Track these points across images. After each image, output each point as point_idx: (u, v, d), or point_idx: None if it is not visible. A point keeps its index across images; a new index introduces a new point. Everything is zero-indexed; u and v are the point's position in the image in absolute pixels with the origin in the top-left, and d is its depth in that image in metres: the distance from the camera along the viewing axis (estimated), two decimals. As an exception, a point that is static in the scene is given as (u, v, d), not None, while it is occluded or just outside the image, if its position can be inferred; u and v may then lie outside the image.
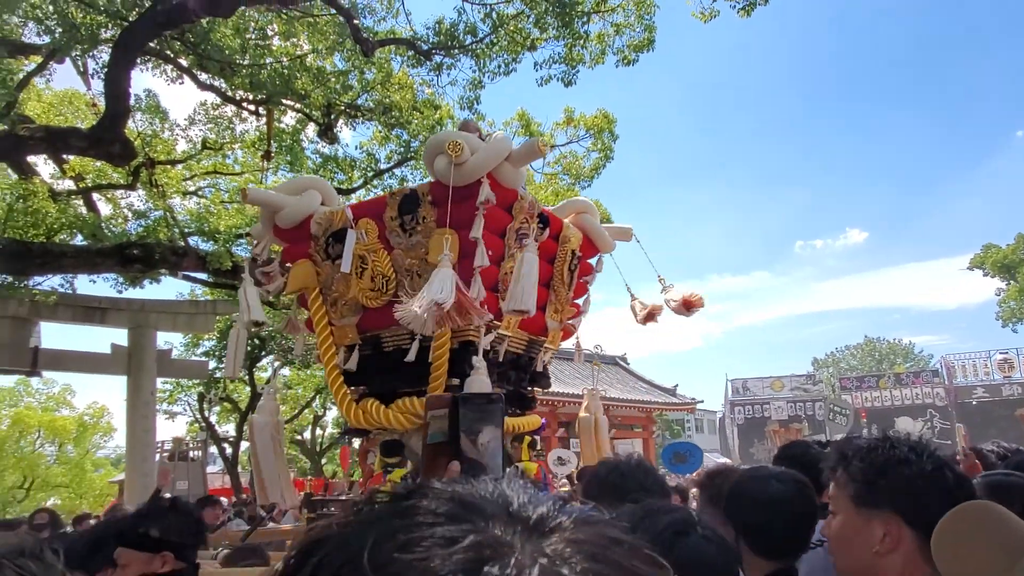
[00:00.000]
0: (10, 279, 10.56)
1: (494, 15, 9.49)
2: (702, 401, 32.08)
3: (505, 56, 10.17)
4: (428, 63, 10.25)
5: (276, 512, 5.61)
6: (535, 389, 5.74)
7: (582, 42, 9.66)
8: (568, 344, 6.48)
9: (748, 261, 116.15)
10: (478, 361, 4.22)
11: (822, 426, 38.54)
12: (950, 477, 1.44)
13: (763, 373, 42.78)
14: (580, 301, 6.02)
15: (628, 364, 31.43)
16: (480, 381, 4.14)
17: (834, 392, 41.35)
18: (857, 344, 56.69)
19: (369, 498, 0.51)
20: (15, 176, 11.28)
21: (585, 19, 9.37)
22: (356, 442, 6.07)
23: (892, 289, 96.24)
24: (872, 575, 1.42)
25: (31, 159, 11.29)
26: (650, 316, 6.06)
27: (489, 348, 4.82)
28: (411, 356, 4.65)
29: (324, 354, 5.23)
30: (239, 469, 21.25)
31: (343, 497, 5.91)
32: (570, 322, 5.93)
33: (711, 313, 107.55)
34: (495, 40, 9.86)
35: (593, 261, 6.12)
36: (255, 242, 5.78)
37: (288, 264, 5.52)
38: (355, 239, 4.87)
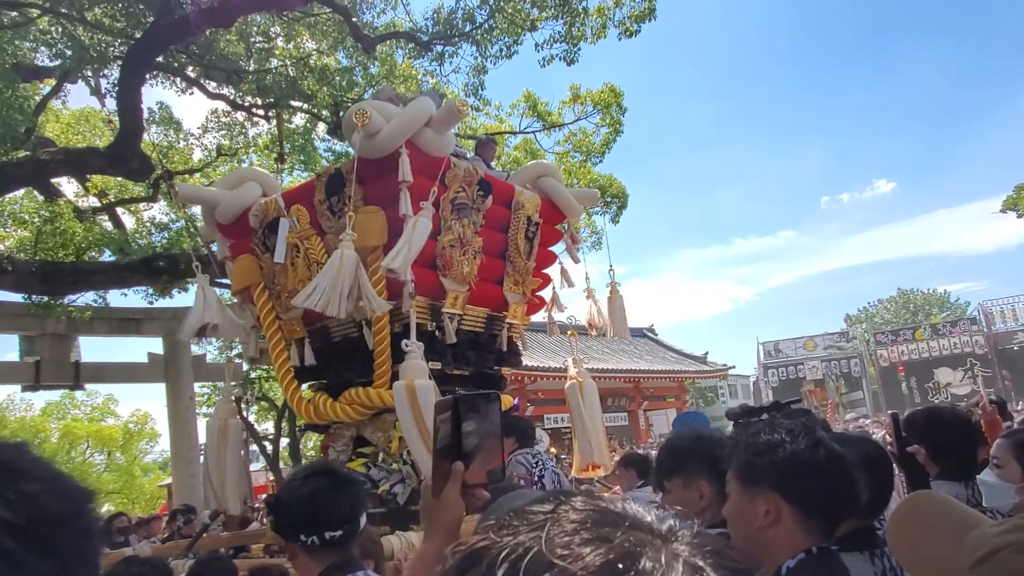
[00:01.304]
0: (46, 299, 10.92)
1: (491, 1, 9.45)
2: (734, 367, 31.86)
3: (506, 39, 10.13)
4: (429, 54, 10.27)
5: (220, 517, 5.51)
6: (502, 369, 5.41)
7: (581, 19, 9.58)
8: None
9: (773, 221, 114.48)
10: (410, 344, 3.98)
11: (859, 383, 38.11)
12: (822, 455, 1.56)
13: (795, 334, 42.31)
14: (549, 271, 5.66)
15: (656, 335, 31.34)
16: (415, 367, 3.92)
17: (868, 348, 40.74)
18: (890, 297, 55.62)
19: (514, 515, 0.58)
20: (41, 198, 11.63)
21: (582, -6, 9.29)
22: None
23: (924, 238, 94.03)
24: (760, 547, 1.54)
25: (55, 180, 11.60)
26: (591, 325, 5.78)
27: (435, 328, 4.59)
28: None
29: (273, 350, 5.02)
30: (280, 466, 21.77)
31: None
32: (539, 293, 5.58)
33: (738, 276, 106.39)
34: (494, 24, 9.83)
35: (563, 228, 5.72)
36: (211, 244, 5.54)
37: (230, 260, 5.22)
38: (288, 228, 4.65)
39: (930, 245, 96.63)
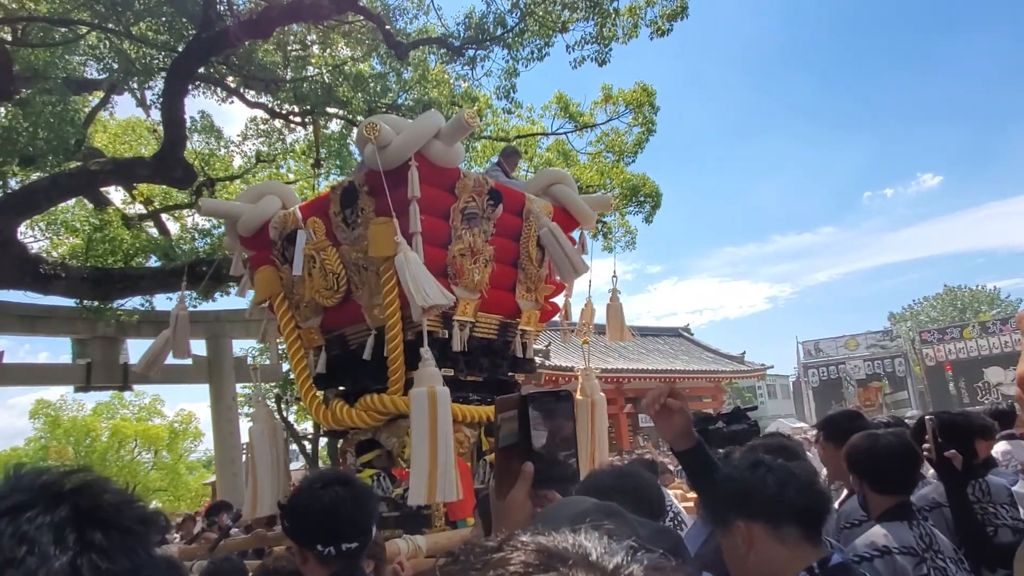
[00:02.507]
0: (97, 303, 11.35)
1: (522, 3, 9.50)
2: (772, 367, 31.30)
3: (537, 41, 10.18)
4: (461, 58, 10.37)
5: (242, 520, 5.58)
6: (516, 375, 5.40)
7: (612, 19, 9.57)
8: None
9: (813, 217, 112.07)
10: (425, 352, 4.00)
11: (903, 382, 37.10)
12: (763, 471, 1.69)
13: (836, 332, 41.33)
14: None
15: (692, 334, 31.00)
16: (429, 374, 3.98)
17: (914, 347, 39.62)
18: (936, 294, 53.99)
19: (462, 551, 0.59)
20: (90, 206, 12.09)
21: (613, -5, 9.28)
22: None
23: (972, 232, 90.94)
24: (755, 572, 1.63)
25: (103, 189, 12.05)
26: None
27: (447, 336, 4.62)
28: (367, 354, 4.53)
29: (293, 358, 5.11)
30: (320, 464, 22.18)
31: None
32: (553, 300, 5.55)
33: (777, 274, 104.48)
34: (525, 27, 9.88)
35: (576, 235, 5.67)
36: (232, 256, 5.62)
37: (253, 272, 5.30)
38: (305, 239, 4.74)
39: (978, 240, 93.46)
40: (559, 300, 5.69)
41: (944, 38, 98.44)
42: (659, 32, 9.94)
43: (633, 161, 13.52)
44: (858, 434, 2.62)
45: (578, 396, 5.40)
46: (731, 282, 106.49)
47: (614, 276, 6.04)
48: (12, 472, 0.76)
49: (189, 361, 15.80)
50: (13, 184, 10.07)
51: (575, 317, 5.95)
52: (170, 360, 5.94)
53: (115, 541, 0.70)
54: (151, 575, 0.73)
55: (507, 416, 1.19)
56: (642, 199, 13.29)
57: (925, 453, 2.80)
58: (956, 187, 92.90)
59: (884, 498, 2.38)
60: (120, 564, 0.70)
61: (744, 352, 29.70)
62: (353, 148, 13.75)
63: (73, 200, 11.85)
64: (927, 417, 2.87)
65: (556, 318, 5.92)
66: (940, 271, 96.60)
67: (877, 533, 2.27)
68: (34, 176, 9.69)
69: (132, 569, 0.71)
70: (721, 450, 3.54)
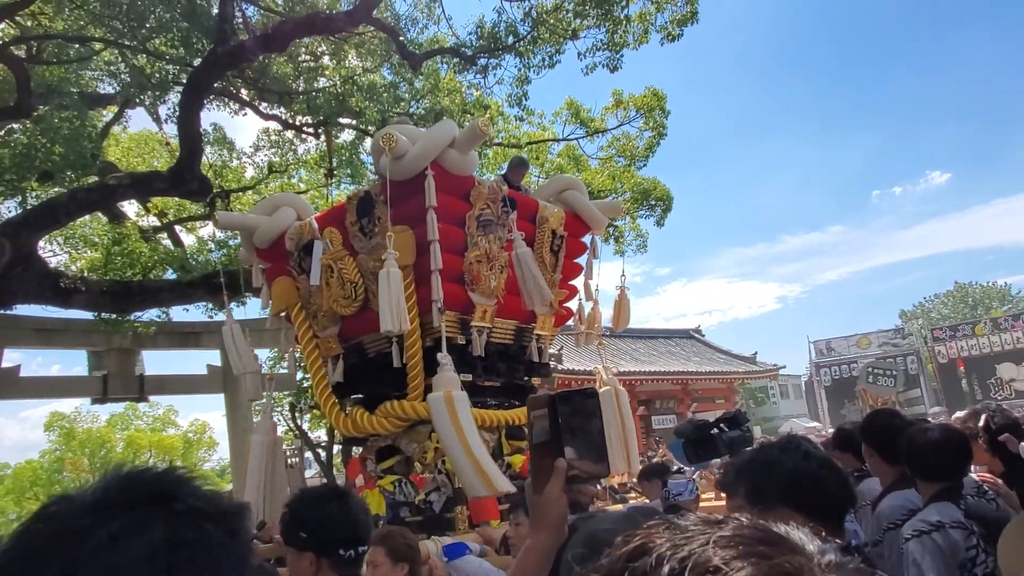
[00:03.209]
0: (114, 316, 11.44)
1: (533, 13, 9.54)
2: (784, 367, 31.19)
3: (548, 48, 10.22)
4: (473, 67, 10.41)
5: (264, 530, 5.64)
6: (532, 379, 5.44)
7: (623, 26, 9.59)
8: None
9: (822, 216, 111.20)
10: (443, 357, 4.09)
11: (916, 380, 36.89)
12: (814, 464, 1.68)
13: (847, 331, 41.10)
14: (575, 282, 5.73)
15: (703, 336, 30.93)
16: (448, 378, 4.03)
17: (926, 344, 39.38)
18: (947, 291, 53.67)
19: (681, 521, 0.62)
20: (105, 220, 12.19)
21: (624, 2, 9.29)
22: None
23: (982, 229, 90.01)
24: None
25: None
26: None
27: (465, 342, 4.68)
28: (395, 361, 4.55)
29: (311, 367, 5.17)
30: (334, 471, 22.23)
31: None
32: (566, 304, 5.63)
33: (786, 274, 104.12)
34: (537, 35, 9.92)
35: (587, 240, 5.74)
36: (249, 268, 5.65)
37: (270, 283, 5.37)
38: (322, 249, 4.78)
39: (989, 236, 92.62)
40: (573, 305, 5.77)
41: (951, 34, 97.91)
42: (670, 38, 9.96)
43: (644, 165, 13.55)
44: (910, 428, 2.85)
45: (601, 388, 5.42)
46: (740, 282, 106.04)
47: (623, 275, 6.15)
48: (113, 474, 0.81)
49: (204, 371, 15.92)
50: (32, 200, 10.18)
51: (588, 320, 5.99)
52: (185, 371, 6.02)
53: (215, 542, 0.74)
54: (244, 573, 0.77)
55: (538, 414, 1.25)
56: (653, 203, 13.31)
57: (979, 441, 3.06)
58: (965, 184, 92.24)
59: (932, 485, 2.60)
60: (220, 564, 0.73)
61: (756, 352, 29.62)
62: (366, 158, 13.83)
63: (89, 214, 11.95)
64: (978, 411, 3.14)
65: (569, 323, 5.96)
66: (951, 268, 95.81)
67: (930, 510, 2.48)
68: (52, 192, 9.79)
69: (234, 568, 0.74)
70: (719, 460, 3.59)
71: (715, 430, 3.18)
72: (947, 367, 36.31)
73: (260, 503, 5.00)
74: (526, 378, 5.43)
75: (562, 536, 1.28)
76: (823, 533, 0.63)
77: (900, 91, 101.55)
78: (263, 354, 20.68)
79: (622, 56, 9.89)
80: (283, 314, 5.44)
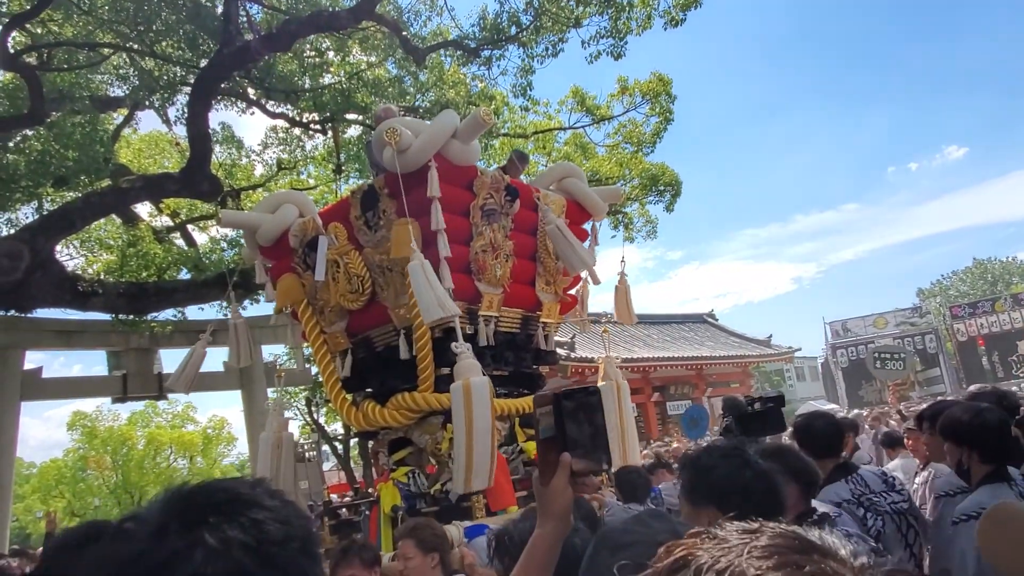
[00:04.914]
0: (132, 317, 11.62)
1: (535, 1, 9.51)
2: (799, 349, 30.98)
3: (551, 37, 10.19)
4: (477, 59, 10.42)
5: None
6: (540, 367, 5.47)
7: (626, 12, 9.55)
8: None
9: (836, 194, 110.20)
10: (459, 347, 4.07)
11: (935, 359, 36.52)
12: (749, 475, 1.74)
13: (864, 311, 40.78)
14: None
15: (717, 320, 30.80)
16: (469, 365, 4.01)
17: (945, 323, 38.96)
18: (966, 268, 52.95)
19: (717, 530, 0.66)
20: (119, 222, 12.36)
21: (625, -11, 9.25)
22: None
23: (1000, 203, 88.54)
24: None
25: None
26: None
27: (473, 332, 4.68)
28: (403, 354, 4.58)
29: (320, 362, 5.19)
30: (351, 464, 22.48)
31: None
32: (571, 292, 5.62)
33: (801, 254, 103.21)
34: (539, 24, 9.90)
35: (588, 227, 5.75)
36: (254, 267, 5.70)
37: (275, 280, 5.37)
38: (327, 245, 4.78)
39: (1007, 210, 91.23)
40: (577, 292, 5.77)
41: (963, 5, 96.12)
42: (673, 23, 9.90)
43: (652, 151, 13.50)
44: (961, 409, 2.91)
45: (601, 382, 5.46)
46: (754, 264, 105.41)
47: (622, 262, 6.16)
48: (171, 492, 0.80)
49: (221, 368, 16.14)
50: (48, 205, 10.35)
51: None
52: (202, 368, 6.07)
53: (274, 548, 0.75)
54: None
55: (544, 411, 1.32)
56: (662, 188, 13.26)
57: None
58: (982, 157, 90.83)
59: (986, 466, 2.64)
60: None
61: (771, 335, 29.46)
62: (373, 152, 13.87)
63: (103, 218, 12.11)
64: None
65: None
66: (969, 244, 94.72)
67: (983, 493, 2.54)
68: (68, 197, 9.94)
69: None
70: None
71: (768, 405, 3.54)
72: (967, 345, 35.90)
73: None
74: (534, 366, 5.46)
75: (568, 526, 1.34)
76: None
77: (914, 65, 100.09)
78: (277, 350, 20.91)
79: (626, 43, 9.86)
80: (288, 311, 5.50)
